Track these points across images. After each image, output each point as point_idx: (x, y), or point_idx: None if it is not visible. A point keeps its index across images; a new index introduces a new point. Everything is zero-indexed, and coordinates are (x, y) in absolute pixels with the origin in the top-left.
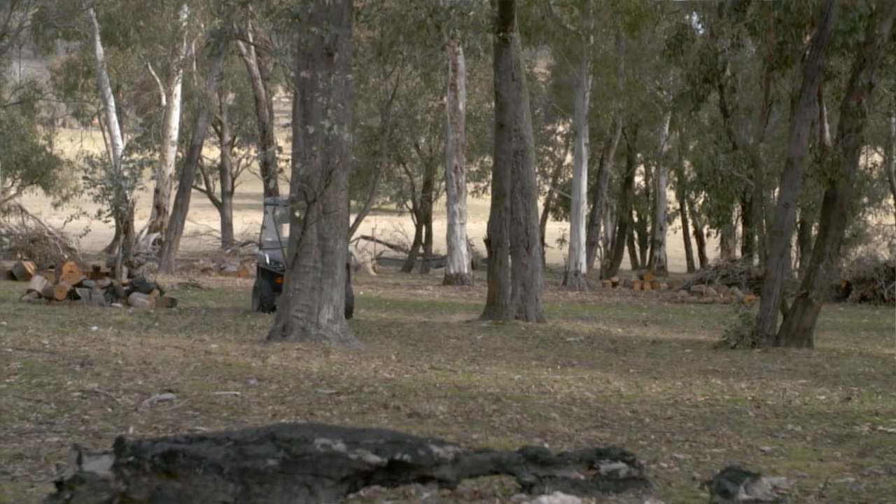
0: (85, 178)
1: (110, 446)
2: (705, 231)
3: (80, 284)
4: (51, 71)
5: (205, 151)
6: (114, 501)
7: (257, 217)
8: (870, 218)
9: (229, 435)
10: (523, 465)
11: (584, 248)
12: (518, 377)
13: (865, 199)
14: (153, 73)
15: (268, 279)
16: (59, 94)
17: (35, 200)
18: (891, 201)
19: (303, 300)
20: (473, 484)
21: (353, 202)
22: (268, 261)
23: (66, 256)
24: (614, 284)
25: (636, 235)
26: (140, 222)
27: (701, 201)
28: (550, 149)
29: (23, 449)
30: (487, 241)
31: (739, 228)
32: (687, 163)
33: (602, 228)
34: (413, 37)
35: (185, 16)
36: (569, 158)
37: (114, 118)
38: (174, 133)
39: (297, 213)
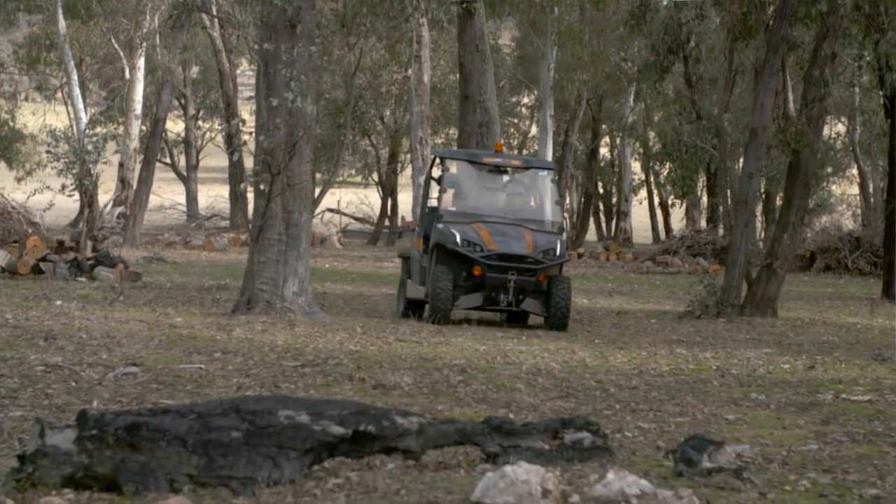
0: (48, 152)
1: (73, 420)
2: (670, 202)
3: (44, 259)
4: (13, 44)
5: (169, 125)
6: (77, 475)
7: (222, 190)
8: (834, 188)
9: (193, 407)
10: (488, 435)
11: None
12: (483, 348)
13: (829, 169)
14: (116, 46)
15: (452, 267)
16: (22, 68)
17: None
18: (855, 171)
19: (267, 273)
20: (438, 454)
21: (317, 175)
22: (458, 240)
23: (29, 231)
24: (580, 255)
25: (601, 206)
26: (104, 196)
27: (666, 172)
28: (515, 120)
29: None
30: None
31: (704, 199)
32: (652, 134)
33: (567, 200)
34: (376, 8)
35: None
36: (534, 130)
37: (77, 92)
38: (138, 107)
39: (262, 186)
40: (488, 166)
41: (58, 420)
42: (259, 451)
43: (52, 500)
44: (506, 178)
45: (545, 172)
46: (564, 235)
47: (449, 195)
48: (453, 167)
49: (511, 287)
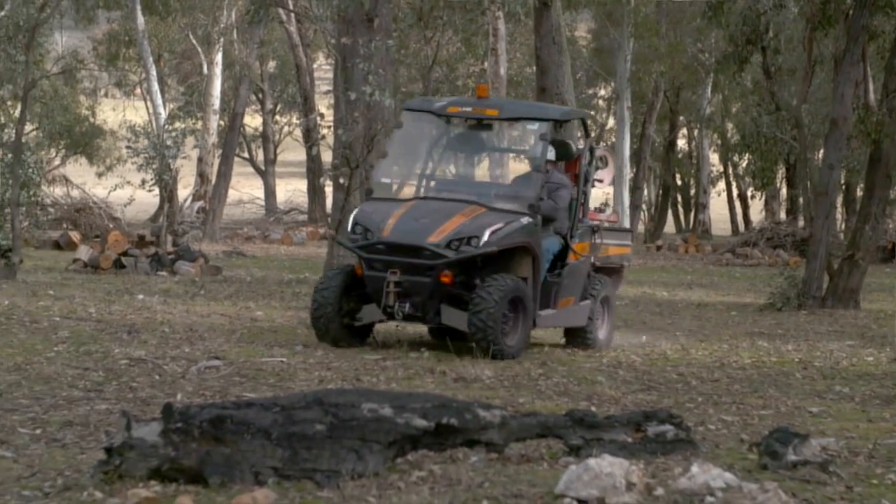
0: (128, 147)
1: (158, 413)
2: (749, 193)
3: (125, 253)
4: (92, 41)
5: (247, 119)
6: (163, 467)
7: (300, 184)
8: None
9: (277, 400)
10: (570, 428)
11: (627, 212)
12: (563, 340)
13: None
14: (194, 41)
15: (350, 269)
16: (101, 64)
17: (79, 170)
18: None
19: None
20: (521, 447)
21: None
22: (350, 225)
23: (110, 226)
24: (658, 248)
25: (680, 199)
26: (184, 191)
27: (745, 164)
28: (592, 112)
29: (72, 416)
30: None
31: (784, 190)
32: (730, 125)
33: (645, 192)
34: (453, 1)
35: None
36: (611, 122)
37: (155, 87)
38: (216, 101)
39: (341, 180)
40: (454, 120)
41: (142, 413)
42: (343, 444)
43: (139, 491)
44: (484, 134)
45: (535, 126)
46: (570, 226)
47: (387, 162)
48: (408, 122)
49: (391, 291)
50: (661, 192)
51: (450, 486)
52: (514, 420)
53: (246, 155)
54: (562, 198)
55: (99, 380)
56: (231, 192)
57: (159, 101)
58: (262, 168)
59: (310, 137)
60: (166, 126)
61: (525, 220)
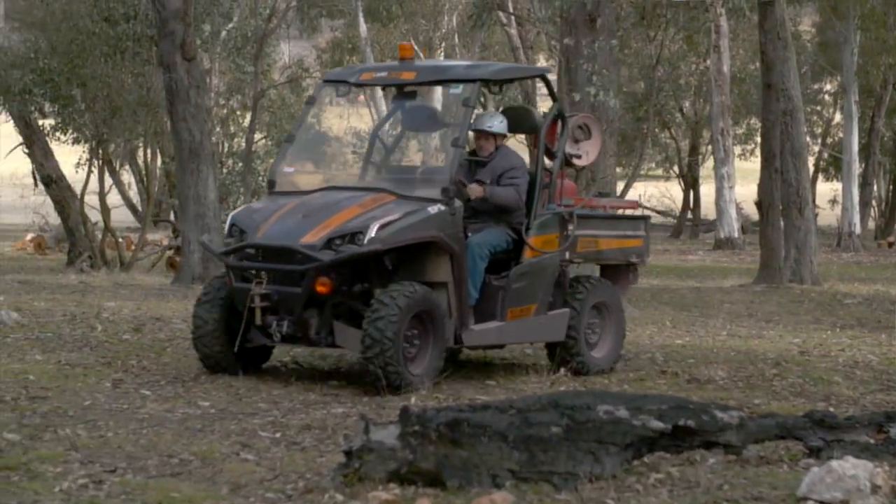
0: (353, 152)
1: (395, 416)
2: None
3: None
4: (317, 49)
5: None
6: (401, 470)
7: None
8: None
9: (512, 403)
10: (810, 429)
11: (857, 209)
12: (797, 340)
13: None
14: (416, 47)
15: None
16: (325, 72)
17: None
18: None
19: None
20: (759, 449)
21: (618, 169)
22: (227, 225)
23: None
24: (890, 245)
25: None
26: None
27: None
28: (818, 108)
29: (310, 420)
30: (758, 204)
31: None
32: None
33: (875, 188)
34: None
35: None
36: (838, 117)
37: (380, 93)
38: (439, 106)
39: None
40: (369, 89)
41: (378, 416)
42: (579, 447)
43: (379, 494)
44: (408, 103)
45: (457, 89)
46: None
47: (295, 147)
48: (323, 98)
49: (257, 306)
50: (891, 187)
51: (688, 488)
52: (751, 421)
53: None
54: (523, 183)
55: (335, 384)
56: None
57: (383, 107)
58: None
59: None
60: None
61: (434, 208)
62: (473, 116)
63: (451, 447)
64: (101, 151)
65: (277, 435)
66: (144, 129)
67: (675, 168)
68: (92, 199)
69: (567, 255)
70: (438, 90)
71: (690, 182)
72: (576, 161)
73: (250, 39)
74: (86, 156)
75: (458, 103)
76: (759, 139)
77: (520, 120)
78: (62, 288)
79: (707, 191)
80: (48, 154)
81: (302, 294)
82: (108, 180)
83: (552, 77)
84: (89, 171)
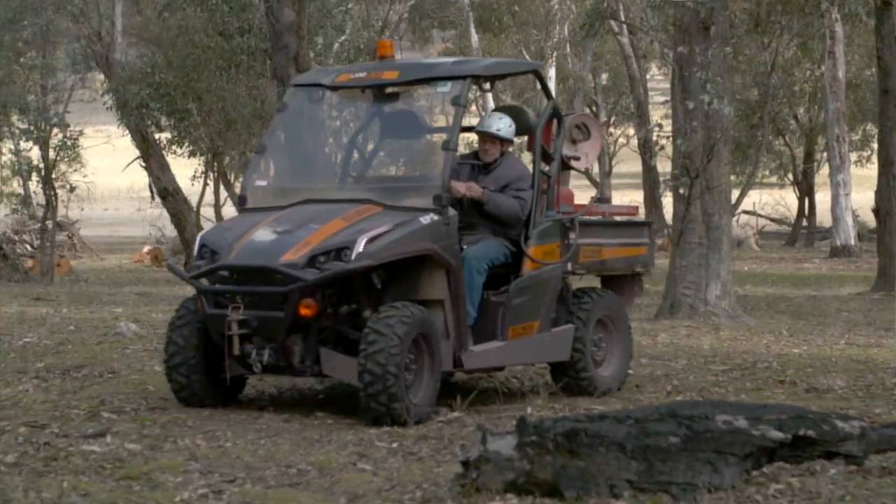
0: (331, 162)
1: (511, 426)
2: None
3: None
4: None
5: None
6: (518, 480)
7: (636, 195)
8: None
9: (629, 413)
10: None
11: None
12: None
13: None
14: (527, 57)
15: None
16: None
17: None
18: None
19: (689, 277)
20: (881, 459)
21: (732, 177)
22: (196, 248)
23: None
24: None
25: None
26: None
27: None
28: None
29: (426, 430)
30: (875, 211)
31: None
32: None
33: None
34: (790, 5)
35: None
36: None
37: (490, 104)
38: None
39: (681, 190)
40: (349, 91)
41: (494, 427)
42: (698, 457)
43: None
44: (387, 107)
45: (445, 87)
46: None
47: (263, 162)
48: (295, 103)
49: (234, 334)
50: None
51: (809, 499)
52: (873, 431)
53: None
54: (529, 197)
55: (444, 394)
56: None
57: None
58: (598, 180)
59: (646, 148)
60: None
61: (426, 218)
62: (470, 117)
63: (569, 457)
64: (216, 164)
65: (394, 445)
66: (259, 141)
67: (790, 175)
68: (207, 211)
69: (569, 265)
70: (422, 90)
71: (805, 189)
72: (574, 163)
73: (363, 51)
74: (201, 168)
75: (445, 104)
76: (875, 145)
77: (513, 120)
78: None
79: (822, 198)
80: (164, 167)
81: (285, 318)
82: (223, 192)
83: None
84: (205, 184)
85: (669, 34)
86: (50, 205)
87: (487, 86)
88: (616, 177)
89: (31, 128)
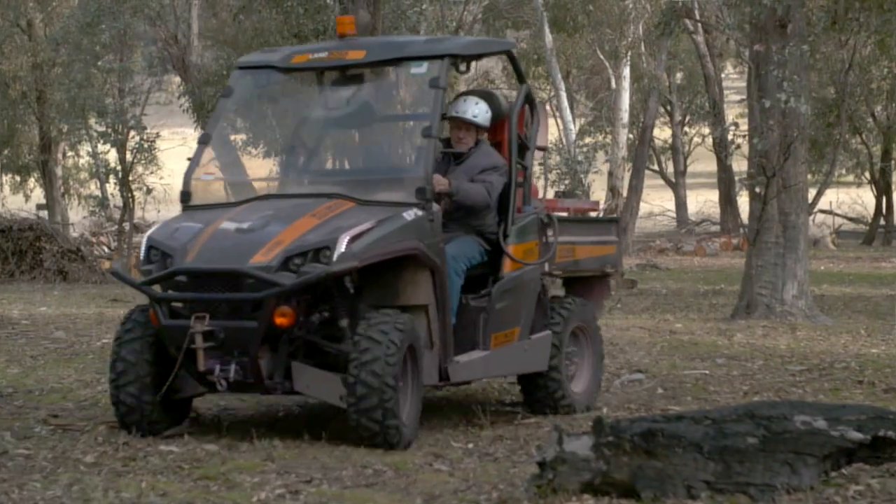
0: (540, 163)
1: (587, 427)
2: None
3: None
4: (502, 61)
5: (655, 132)
6: (595, 481)
7: (711, 195)
8: None
9: (707, 413)
10: None
11: None
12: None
13: None
14: (601, 56)
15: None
16: (512, 84)
17: None
18: None
19: (766, 277)
20: None
21: (808, 176)
22: (143, 251)
23: None
24: None
25: None
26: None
27: None
28: None
29: (502, 431)
30: None
31: None
32: None
33: None
34: (868, 2)
35: None
36: None
37: (565, 104)
38: (624, 115)
39: (757, 189)
40: (304, 74)
41: (570, 427)
42: (776, 458)
43: None
44: (355, 91)
45: (421, 67)
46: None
47: (208, 153)
48: (242, 88)
49: (199, 348)
50: None
51: (890, 500)
52: None
53: (656, 167)
54: (497, 183)
55: (517, 395)
56: (642, 204)
57: (569, 117)
58: (673, 180)
59: (722, 147)
60: (577, 142)
61: (410, 214)
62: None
63: (646, 458)
64: None
65: (470, 446)
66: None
67: (867, 174)
68: None
69: (546, 266)
70: (391, 72)
71: (883, 188)
72: (538, 150)
73: None
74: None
75: (420, 86)
76: None
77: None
78: None
79: None
80: None
81: (258, 328)
82: None
83: (741, 83)
84: None
85: (745, 32)
86: (127, 207)
87: (463, 67)
88: (691, 176)
89: (109, 130)
